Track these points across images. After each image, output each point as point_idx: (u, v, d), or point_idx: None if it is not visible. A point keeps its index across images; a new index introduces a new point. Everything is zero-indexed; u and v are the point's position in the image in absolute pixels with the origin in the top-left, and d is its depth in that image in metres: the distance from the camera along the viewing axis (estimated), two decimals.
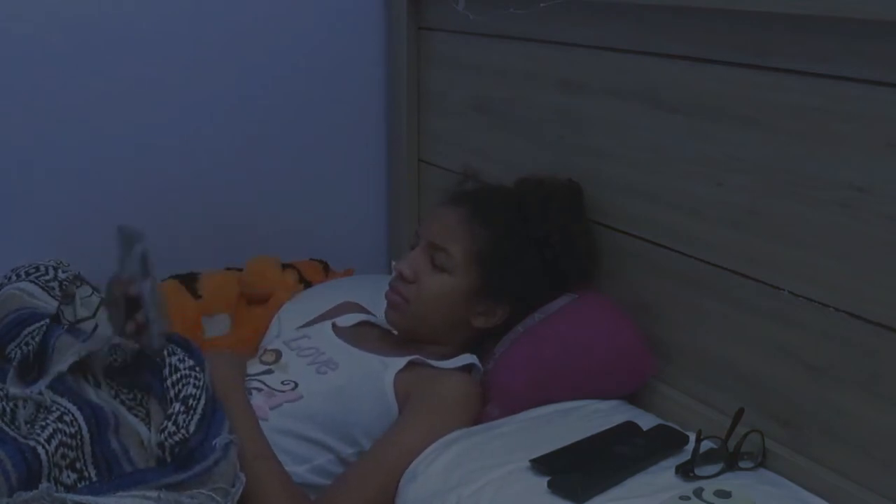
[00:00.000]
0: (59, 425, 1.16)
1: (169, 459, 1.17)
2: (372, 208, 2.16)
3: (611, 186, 1.52)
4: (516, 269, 1.46)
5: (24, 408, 1.21)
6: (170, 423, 1.18)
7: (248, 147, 1.98)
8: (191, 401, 1.21)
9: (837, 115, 1.16)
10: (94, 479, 1.16)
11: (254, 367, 1.44)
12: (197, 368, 1.27)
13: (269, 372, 1.42)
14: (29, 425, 1.18)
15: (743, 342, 1.32)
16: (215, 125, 1.94)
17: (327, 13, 2.00)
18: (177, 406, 1.20)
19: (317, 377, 1.40)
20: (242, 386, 1.36)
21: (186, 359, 1.28)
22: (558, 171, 1.56)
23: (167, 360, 1.27)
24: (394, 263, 1.96)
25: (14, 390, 1.23)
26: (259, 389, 1.38)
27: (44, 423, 1.16)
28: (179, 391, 1.23)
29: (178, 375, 1.25)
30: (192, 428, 1.18)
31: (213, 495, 1.14)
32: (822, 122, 1.17)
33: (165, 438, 1.17)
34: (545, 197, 1.50)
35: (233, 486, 1.18)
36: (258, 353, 1.50)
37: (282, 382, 1.39)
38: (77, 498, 1.08)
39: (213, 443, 1.18)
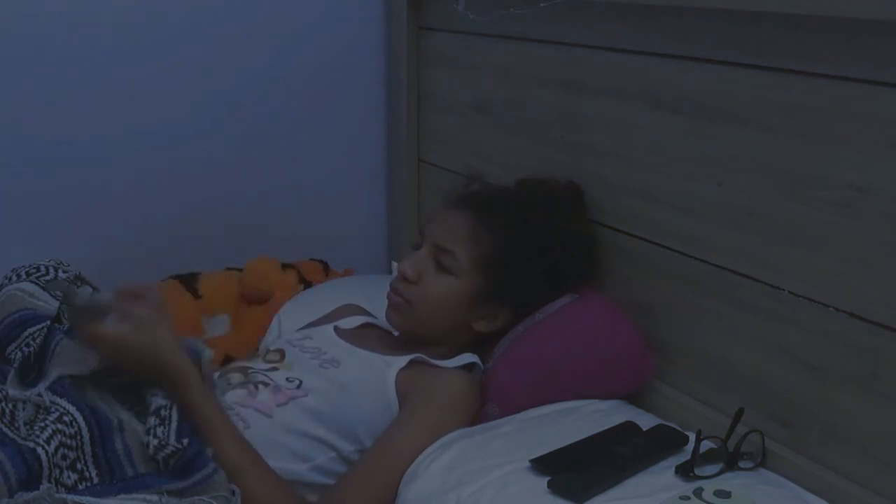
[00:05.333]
0: (59, 426, 1.16)
1: (163, 468, 1.17)
2: (372, 208, 2.17)
3: (611, 186, 1.52)
4: (521, 275, 1.46)
5: (24, 409, 1.21)
6: (151, 438, 1.17)
7: (248, 147, 1.98)
8: (162, 411, 1.21)
9: (837, 115, 1.16)
10: (95, 479, 1.16)
11: (258, 363, 1.44)
12: None
13: (274, 370, 1.42)
14: (28, 427, 1.18)
15: (743, 342, 1.32)
16: (215, 125, 1.94)
17: (327, 13, 2.00)
18: (151, 420, 1.20)
19: (320, 376, 1.40)
20: (210, 392, 1.31)
21: None
22: (558, 171, 1.56)
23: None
24: (394, 264, 1.97)
25: (13, 392, 1.23)
26: (266, 384, 1.38)
27: (43, 425, 1.16)
28: (150, 402, 1.23)
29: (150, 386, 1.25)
30: (171, 437, 1.17)
31: (214, 503, 1.15)
32: (822, 122, 1.17)
33: (155, 452, 1.16)
34: (549, 201, 1.50)
35: (233, 493, 1.18)
36: (261, 353, 1.50)
37: (287, 380, 1.39)
38: (78, 499, 1.08)
39: (209, 451, 1.19)
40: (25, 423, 1.19)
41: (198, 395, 1.25)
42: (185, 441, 1.16)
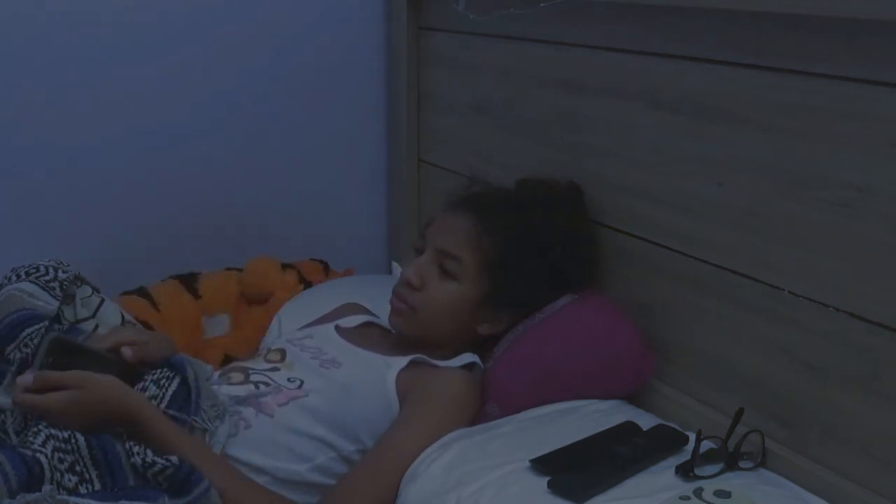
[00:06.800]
0: (51, 430, 1.15)
1: (154, 486, 1.16)
2: (372, 208, 2.17)
3: (611, 186, 1.52)
4: (522, 276, 1.46)
5: (13, 418, 1.21)
6: (136, 458, 1.16)
7: (248, 147, 1.98)
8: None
9: (837, 115, 1.16)
10: (96, 480, 1.15)
11: (259, 364, 1.44)
12: None
13: (275, 370, 1.42)
14: (21, 436, 1.18)
15: (743, 342, 1.32)
16: (215, 125, 1.94)
17: (327, 13, 2.00)
18: (128, 443, 1.18)
19: (321, 375, 1.40)
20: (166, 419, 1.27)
21: None
22: (558, 171, 1.56)
23: None
24: (394, 264, 1.97)
25: (1, 400, 1.22)
26: (267, 384, 1.38)
27: (36, 430, 1.16)
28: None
29: None
30: (149, 454, 1.16)
31: None
32: (822, 122, 1.17)
33: (145, 470, 1.15)
34: (549, 201, 1.50)
35: None
36: (262, 353, 1.50)
37: (288, 380, 1.39)
38: (80, 501, 1.08)
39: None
40: (16, 432, 1.19)
41: (162, 424, 1.23)
42: (175, 458, 1.15)
